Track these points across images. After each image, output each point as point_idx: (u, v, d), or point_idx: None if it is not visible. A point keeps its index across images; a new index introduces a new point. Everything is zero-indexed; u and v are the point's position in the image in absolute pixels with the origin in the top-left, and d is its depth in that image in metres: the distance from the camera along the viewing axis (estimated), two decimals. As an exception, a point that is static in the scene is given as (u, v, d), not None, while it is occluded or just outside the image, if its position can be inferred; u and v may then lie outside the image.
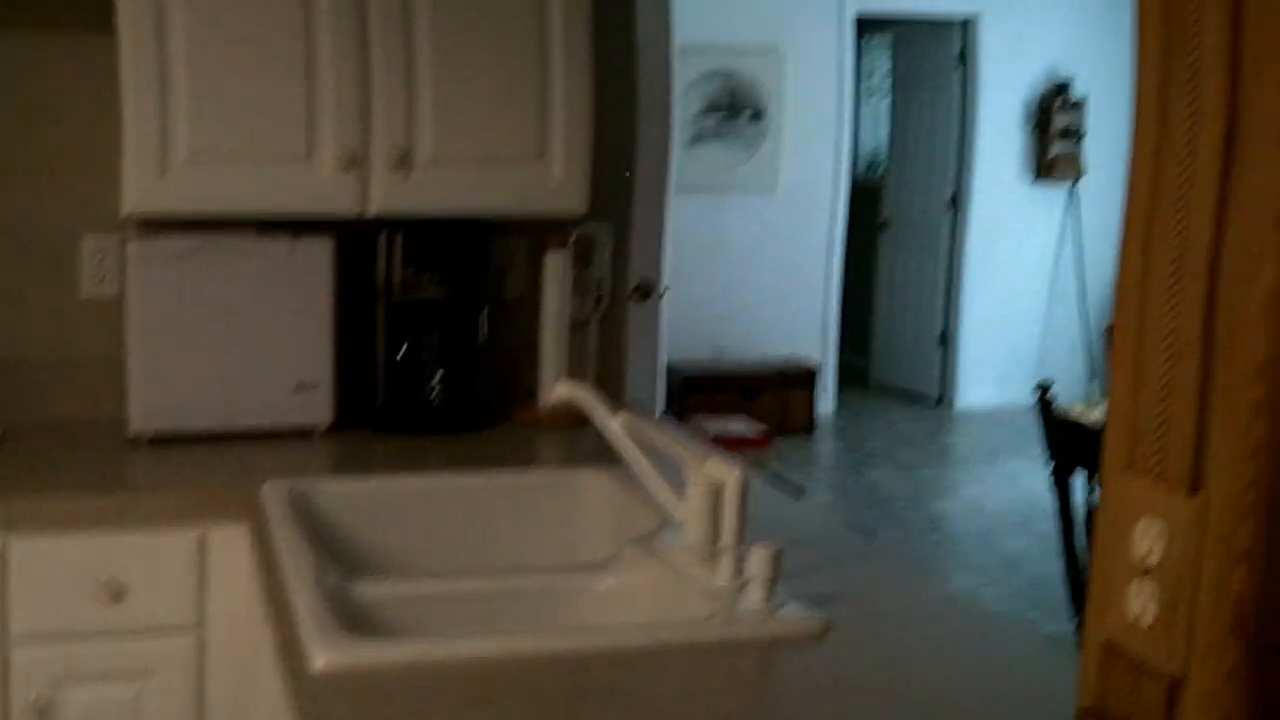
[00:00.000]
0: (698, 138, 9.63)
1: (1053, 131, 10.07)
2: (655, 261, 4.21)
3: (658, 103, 4.13)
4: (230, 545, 2.78)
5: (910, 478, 8.67)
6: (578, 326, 3.54)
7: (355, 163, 3.09)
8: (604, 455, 2.59)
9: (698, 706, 1.88)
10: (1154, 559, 1.17)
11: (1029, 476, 8.34)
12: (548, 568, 2.63)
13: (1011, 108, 10.16)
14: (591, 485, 2.91)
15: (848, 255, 10.31)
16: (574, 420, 3.12)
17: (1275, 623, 1.09)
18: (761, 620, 2.08)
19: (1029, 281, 10.38)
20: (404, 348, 3.31)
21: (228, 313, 3.17)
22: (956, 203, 10.31)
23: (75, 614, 2.75)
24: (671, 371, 9.09)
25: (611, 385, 3.67)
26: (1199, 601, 1.13)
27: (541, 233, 3.48)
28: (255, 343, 3.19)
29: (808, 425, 9.63)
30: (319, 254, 3.21)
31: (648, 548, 2.35)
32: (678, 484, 2.28)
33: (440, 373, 3.33)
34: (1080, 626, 2.92)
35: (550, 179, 3.24)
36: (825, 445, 9.54)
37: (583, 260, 3.57)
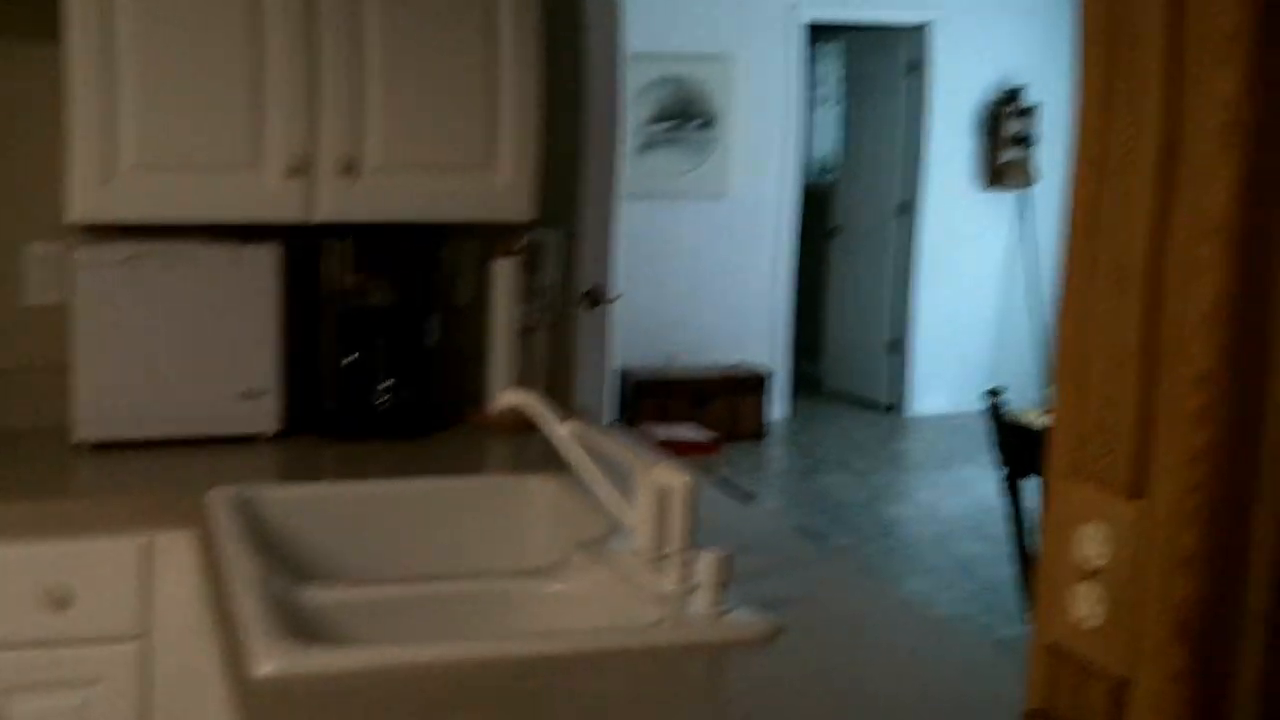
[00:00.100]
0: (649, 144, 9.64)
1: (1004, 138, 10.12)
2: (605, 268, 4.20)
3: (607, 109, 4.13)
4: (176, 552, 2.77)
5: (863, 483, 8.69)
6: (527, 333, 3.54)
7: (302, 170, 3.09)
8: (553, 461, 2.59)
9: (647, 710, 1.88)
10: (1099, 563, 1.17)
11: (983, 482, 8.37)
12: (496, 573, 2.63)
13: (963, 115, 10.21)
14: (540, 491, 2.90)
15: (800, 262, 10.33)
16: (523, 426, 3.11)
17: (1220, 625, 1.10)
18: (710, 625, 2.08)
19: (982, 288, 10.42)
20: (352, 354, 3.30)
21: (174, 319, 3.15)
22: (908, 209, 10.34)
23: (20, 622, 2.73)
24: (624, 377, 9.10)
25: (561, 391, 3.67)
26: (1145, 605, 1.14)
27: (491, 239, 3.48)
28: (202, 349, 3.18)
29: (758, 431, 9.65)
30: (265, 261, 3.20)
31: (596, 553, 2.35)
32: (626, 490, 2.28)
33: (389, 379, 3.32)
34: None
35: (498, 185, 3.24)
36: (777, 451, 9.55)
37: (532, 266, 3.57)
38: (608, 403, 4.57)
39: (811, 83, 10.94)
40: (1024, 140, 10.08)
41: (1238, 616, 1.10)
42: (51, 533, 2.74)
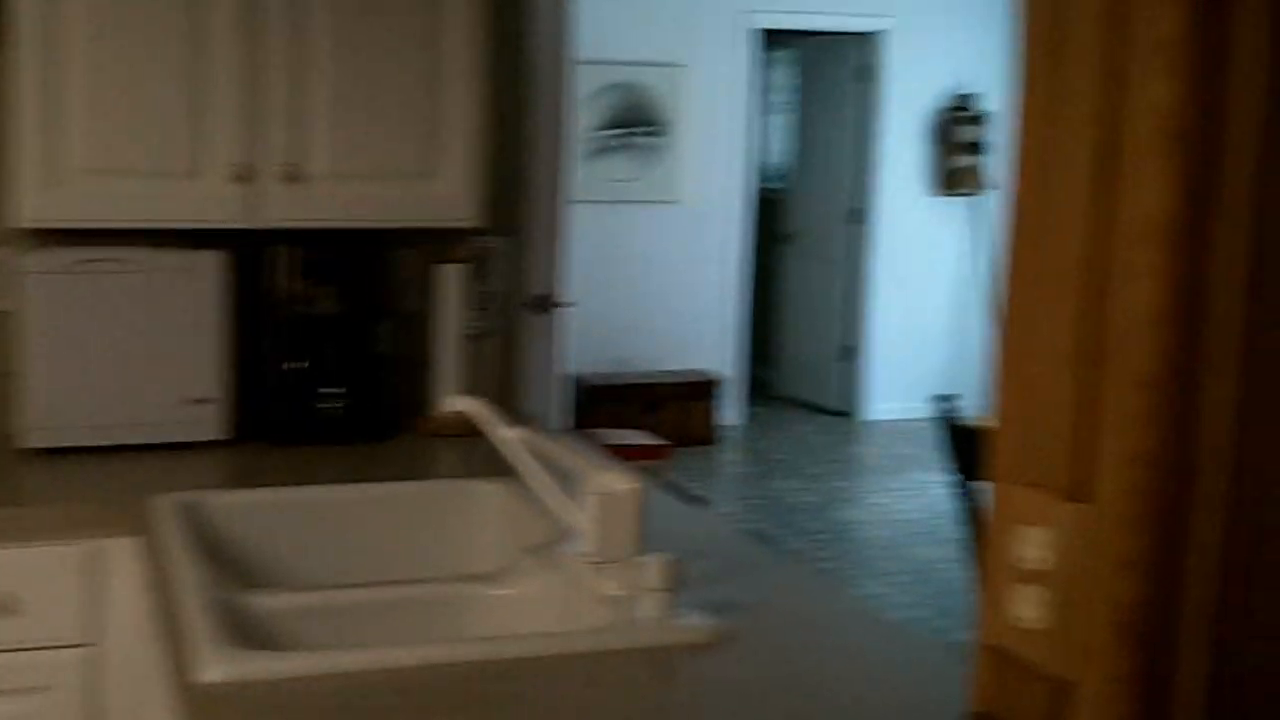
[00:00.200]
0: (600, 150, 9.63)
1: (957, 145, 10.15)
2: (555, 274, 4.19)
3: (554, 116, 4.13)
4: (124, 559, 2.74)
5: (816, 488, 8.69)
6: (476, 339, 3.53)
7: (246, 176, 3.09)
8: (501, 466, 2.58)
9: (596, 714, 1.88)
10: (1043, 565, 1.18)
11: (937, 487, 8.37)
12: (444, 578, 2.62)
13: (916, 121, 10.24)
14: (488, 496, 2.90)
15: (754, 268, 10.34)
16: (472, 432, 3.10)
17: (1162, 627, 1.11)
18: (658, 628, 2.08)
19: (935, 293, 10.45)
20: (301, 361, 3.28)
21: (121, 326, 3.13)
22: (860, 215, 10.36)
23: (-34, 629, 2.71)
24: (577, 383, 9.09)
25: (510, 397, 3.66)
26: (1087, 607, 1.14)
27: (439, 246, 3.47)
28: (150, 356, 3.16)
29: (709, 437, 9.65)
30: (213, 268, 3.19)
31: (544, 557, 2.35)
32: (574, 495, 2.27)
33: (337, 385, 3.31)
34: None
35: (442, 191, 3.24)
36: (729, 456, 9.55)
37: (480, 273, 3.56)
38: (559, 408, 4.56)
39: (765, 90, 10.95)
40: (976, 147, 10.12)
41: (1179, 619, 1.11)
42: (-3, 539, 2.72)
